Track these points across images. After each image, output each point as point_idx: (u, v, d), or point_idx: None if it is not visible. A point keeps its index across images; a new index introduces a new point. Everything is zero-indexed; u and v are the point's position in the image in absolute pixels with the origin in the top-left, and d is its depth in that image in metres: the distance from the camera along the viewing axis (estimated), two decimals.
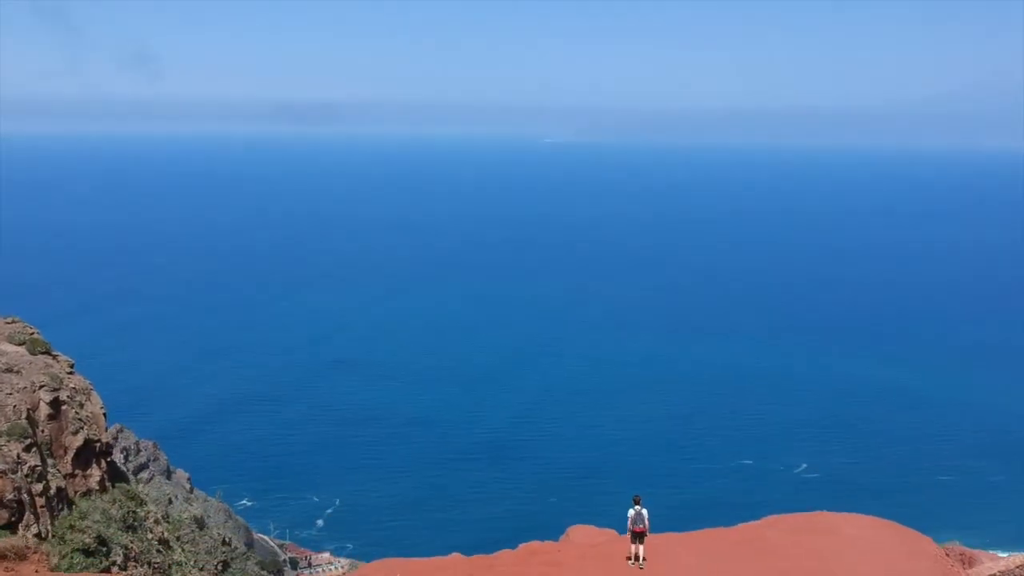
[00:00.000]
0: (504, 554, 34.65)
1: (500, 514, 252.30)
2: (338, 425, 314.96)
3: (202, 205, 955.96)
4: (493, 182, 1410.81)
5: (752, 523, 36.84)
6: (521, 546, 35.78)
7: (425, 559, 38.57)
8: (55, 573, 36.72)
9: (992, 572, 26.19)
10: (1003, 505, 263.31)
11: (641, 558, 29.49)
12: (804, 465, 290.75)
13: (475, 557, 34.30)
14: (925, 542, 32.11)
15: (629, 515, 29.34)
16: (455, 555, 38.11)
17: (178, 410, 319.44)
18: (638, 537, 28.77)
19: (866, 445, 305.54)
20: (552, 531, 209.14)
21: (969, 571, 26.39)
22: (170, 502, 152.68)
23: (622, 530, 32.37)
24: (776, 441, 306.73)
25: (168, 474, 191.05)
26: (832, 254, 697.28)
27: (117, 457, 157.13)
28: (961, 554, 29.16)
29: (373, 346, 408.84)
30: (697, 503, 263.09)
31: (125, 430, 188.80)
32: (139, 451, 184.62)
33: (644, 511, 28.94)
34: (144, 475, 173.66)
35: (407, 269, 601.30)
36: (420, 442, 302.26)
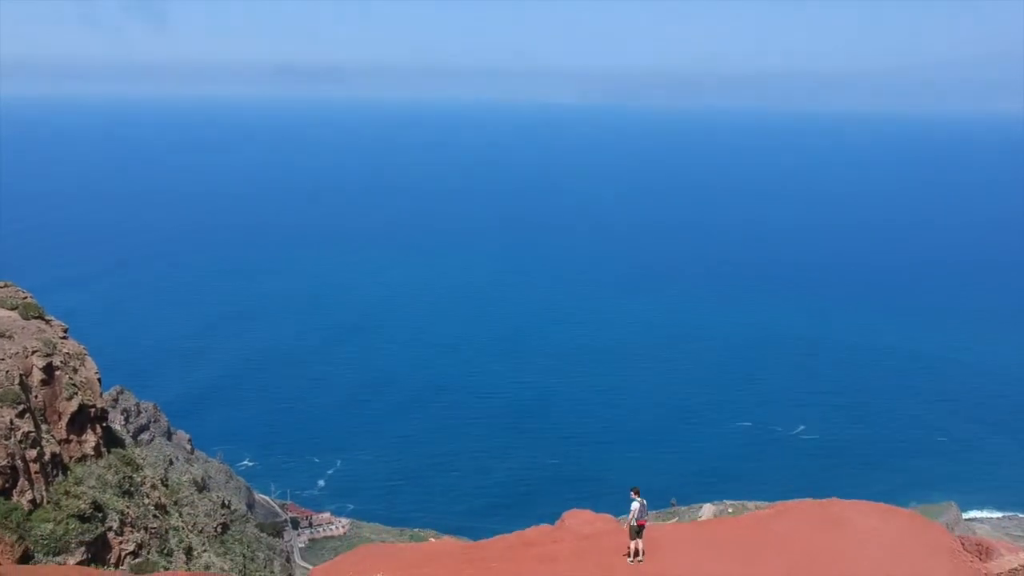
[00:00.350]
0: (498, 542, 32.73)
1: (504, 481, 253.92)
2: (344, 390, 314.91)
3: (208, 168, 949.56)
4: (501, 146, 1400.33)
5: (760, 512, 34.34)
6: (515, 534, 33.94)
7: (415, 545, 37.14)
8: (20, 566, 36.27)
9: (1013, 565, 25.32)
10: (998, 466, 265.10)
11: (641, 552, 27.39)
12: (802, 427, 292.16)
13: (467, 545, 32.63)
14: (940, 532, 30.47)
15: (634, 508, 26.76)
16: (448, 539, 37.08)
17: (181, 372, 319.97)
18: (639, 531, 26.66)
19: (864, 407, 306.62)
20: (553, 499, 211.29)
21: (988, 564, 25.50)
22: (171, 463, 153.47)
23: (622, 511, 30.71)
24: (775, 404, 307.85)
25: (169, 435, 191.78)
26: (836, 219, 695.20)
27: (117, 418, 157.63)
28: (978, 544, 27.89)
29: (380, 313, 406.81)
30: (696, 466, 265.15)
31: (125, 391, 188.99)
32: (139, 412, 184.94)
33: (644, 503, 26.92)
34: (145, 436, 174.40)
35: (418, 235, 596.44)
36: (427, 408, 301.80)
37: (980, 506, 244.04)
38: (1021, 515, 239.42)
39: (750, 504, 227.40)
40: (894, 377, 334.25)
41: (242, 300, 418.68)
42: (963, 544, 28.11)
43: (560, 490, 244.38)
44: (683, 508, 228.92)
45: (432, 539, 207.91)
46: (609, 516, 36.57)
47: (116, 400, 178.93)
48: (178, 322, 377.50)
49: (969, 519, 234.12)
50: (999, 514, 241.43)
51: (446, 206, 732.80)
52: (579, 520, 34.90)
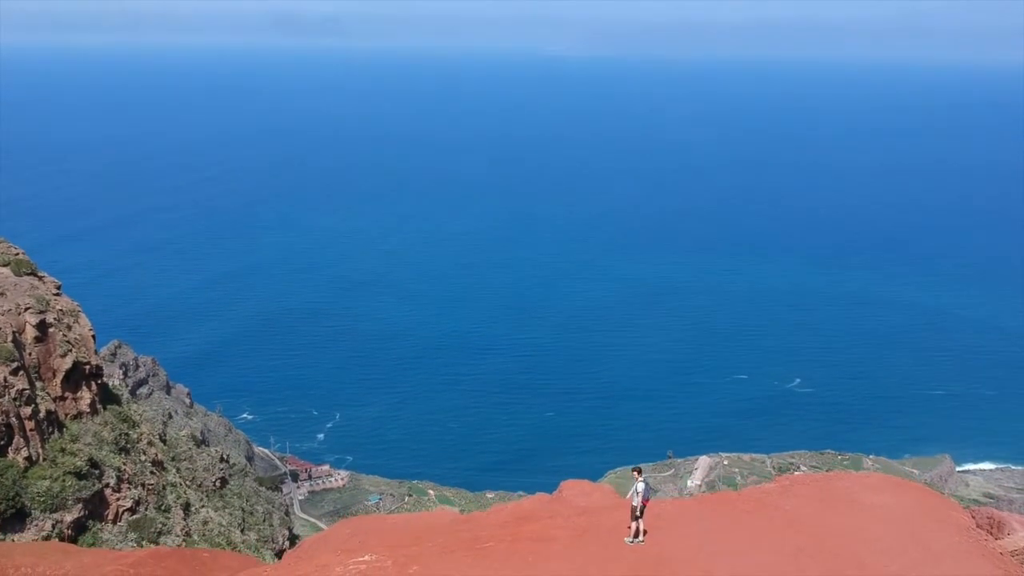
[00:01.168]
0: (492, 515, 31.49)
1: (503, 434, 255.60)
2: (346, 345, 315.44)
3: (208, 120, 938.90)
4: (499, 98, 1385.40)
5: (765, 486, 32.88)
6: (512, 506, 32.89)
7: (406, 519, 35.88)
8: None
9: None
10: (994, 418, 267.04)
11: (641, 533, 26.63)
12: (798, 380, 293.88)
13: (461, 519, 31.53)
14: (952, 508, 29.57)
15: (640, 489, 25.93)
16: (440, 511, 36.11)
17: (182, 328, 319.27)
18: (641, 512, 25.87)
19: (861, 361, 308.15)
20: (551, 453, 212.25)
21: (1001, 542, 25.05)
22: (170, 417, 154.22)
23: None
24: (771, 357, 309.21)
25: (168, 389, 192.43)
26: (831, 171, 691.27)
27: (116, 372, 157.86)
28: (989, 518, 27.27)
29: (382, 270, 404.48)
30: (692, 417, 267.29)
31: (124, 345, 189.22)
32: (138, 367, 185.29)
33: (648, 483, 26.03)
34: (143, 390, 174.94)
35: (423, 189, 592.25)
36: (431, 363, 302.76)
37: (974, 459, 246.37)
38: (1014, 467, 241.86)
39: (745, 456, 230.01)
40: (891, 331, 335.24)
41: (243, 257, 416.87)
42: (976, 520, 27.52)
43: (558, 444, 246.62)
44: (679, 460, 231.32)
45: (431, 491, 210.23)
46: (607, 487, 35.58)
47: (114, 354, 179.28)
48: (179, 279, 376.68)
49: (963, 471, 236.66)
50: (992, 466, 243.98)
51: (447, 159, 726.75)
52: (577, 491, 34.06)
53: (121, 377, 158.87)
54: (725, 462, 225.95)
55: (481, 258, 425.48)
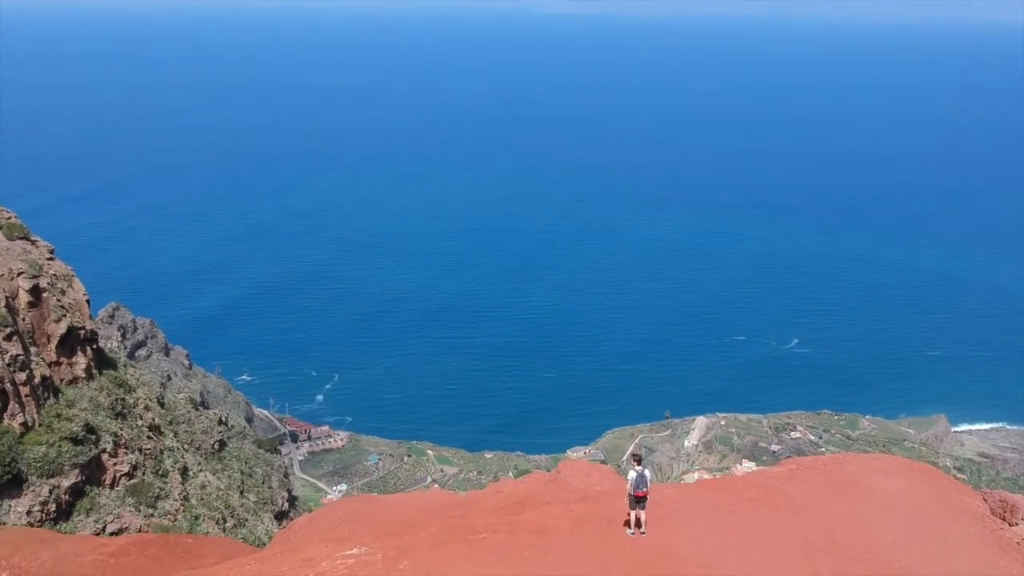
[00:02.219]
0: (487, 499, 29.99)
1: (503, 395, 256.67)
2: (346, 307, 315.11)
3: (208, 81, 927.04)
4: (491, 56, 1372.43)
5: (771, 470, 31.52)
6: (508, 487, 31.67)
7: (399, 499, 34.53)
8: None
9: None
10: (991, 380, 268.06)
11: (642, 523, 25.58)
12: (796, 340, 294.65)
13: (454, 504, 29.98)
14: (964, 494, 28.38)
15: (631, 478, 24.90)
16: (435, 491, 35.11)
17: (183, 292, 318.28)
18: (639, 502, 24.80)
19: (859, 321, 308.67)
20: (551, 416, 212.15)
21: (1016, 528, 24.37)
22: (168, 379, 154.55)
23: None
24: (769, 319, 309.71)
25: (166, 351, 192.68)
26: (839, 128, 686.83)
27: (114, 335, 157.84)
28: (1003, 501, 26.38)
29: (387, 233, 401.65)
30: (690, 377, 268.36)
31: (121, 307, 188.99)
32: (136, 329, 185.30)
33: (647, 472, 24.85)
34: (142, 352, 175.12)
35: (422, 150, 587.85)
36: (431, 326, 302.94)
37: (970, 420, 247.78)
38: (1009, 427, 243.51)
39: (742, 417, 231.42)
40: (890, 292, 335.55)
41: (246, 220, 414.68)
42: (989, 504, 26.77)
43: (557, 406, 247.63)
44: (677, 420, 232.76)
45: (430, 451, 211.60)
46: (606, 468, 34.58)
47: (112, 316, 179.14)
48: (180, 242, 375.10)
49: (958, 431, 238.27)
50: (987, 426, 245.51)
51: (444, 119, 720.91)
52: (575, 472, 32.89)
53: (119, 339, 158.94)
54: (722, 422, 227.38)
55: (482, 220, 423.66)
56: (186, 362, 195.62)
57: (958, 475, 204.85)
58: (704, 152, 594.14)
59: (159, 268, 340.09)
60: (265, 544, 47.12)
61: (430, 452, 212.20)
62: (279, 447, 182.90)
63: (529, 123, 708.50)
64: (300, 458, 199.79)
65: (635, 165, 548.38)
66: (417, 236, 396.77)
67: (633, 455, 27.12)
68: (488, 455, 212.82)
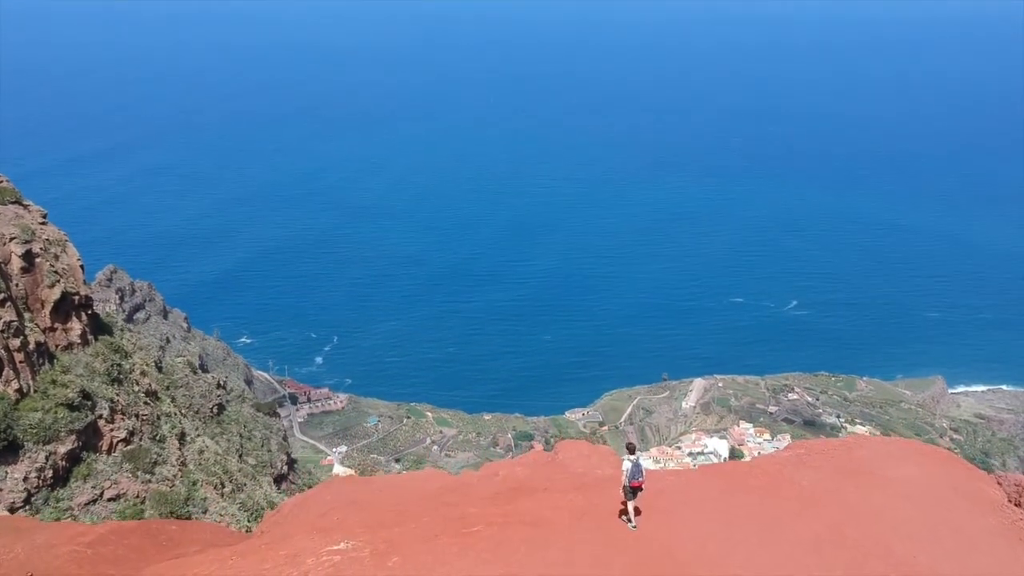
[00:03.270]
0: (482, 485, 28.53)
1: (504, 358, 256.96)
2: (347, 270, 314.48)
3: (213, 45, 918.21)
4: (499, 28, 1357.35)
5: (779, 455, 29.79)
6: (504, 470, 30.48)
7: (391, 481, 33.16)
8: None
9: None
10: (989, 342, 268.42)
11: (633, 515, 24.76)
12: (794, 302, 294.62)
13: (447, 490, 28.61)
14: (980, 480, 26.92)
15: (626, 468, 24.14)
16: (429, 472, 33.97)
17: (184, 256, 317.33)
18: (634, 492, 24.15)
19: (858, 283, 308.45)
20: (552, 380, 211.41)
21: None
22: (167, 342, 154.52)
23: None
24: (767, 281, 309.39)
25: (165, 314, 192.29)
26: (841, 92, 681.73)
27: (112, 298, 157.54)
28: (1018, 486, 25.30)
29: (390, 198, 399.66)
30: (688, 339, 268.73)
31: (119, 271, 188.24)
32: (134, 292, 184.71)
33: (641, 462, 24.10)
34: (140, 316, 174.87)
35: (427, 114, 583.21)
36: (433, 290, 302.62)
37: (967, 381, 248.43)
38: (1006, 388, 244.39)
39: (739, 379, 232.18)
40: (889, 254, 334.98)
41: (249, 184, 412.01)
42: (1005, 491, 25.80)
43: (556, 370, 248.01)
44: (674, 382, 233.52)
45: (428, 413, 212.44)
46: (606, 448, 33.43)
47: (110, 279, 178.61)
48: (180, 206, 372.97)
49: (955, 393, 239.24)
50: (984, 388, 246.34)
51: (449, 87, 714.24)
52: (574, 453, 31.85)
53: (117, 302, 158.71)
54: (720, 384, 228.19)
55: (484, 184, 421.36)
56: (184, 325, 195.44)
57: (954, 435, 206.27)
58: (706, 115, 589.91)
59: (159, 231, 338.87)
60: (260, 513, 47.14)
61: (429, 414, 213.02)
62: (278, 410, 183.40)
63: (534, 84, 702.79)
64: (300, 420, 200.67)
65: (637, 128, 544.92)
66: (420, 199, 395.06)
67: (627, 445, 26.31)
68: (487, 416, 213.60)
